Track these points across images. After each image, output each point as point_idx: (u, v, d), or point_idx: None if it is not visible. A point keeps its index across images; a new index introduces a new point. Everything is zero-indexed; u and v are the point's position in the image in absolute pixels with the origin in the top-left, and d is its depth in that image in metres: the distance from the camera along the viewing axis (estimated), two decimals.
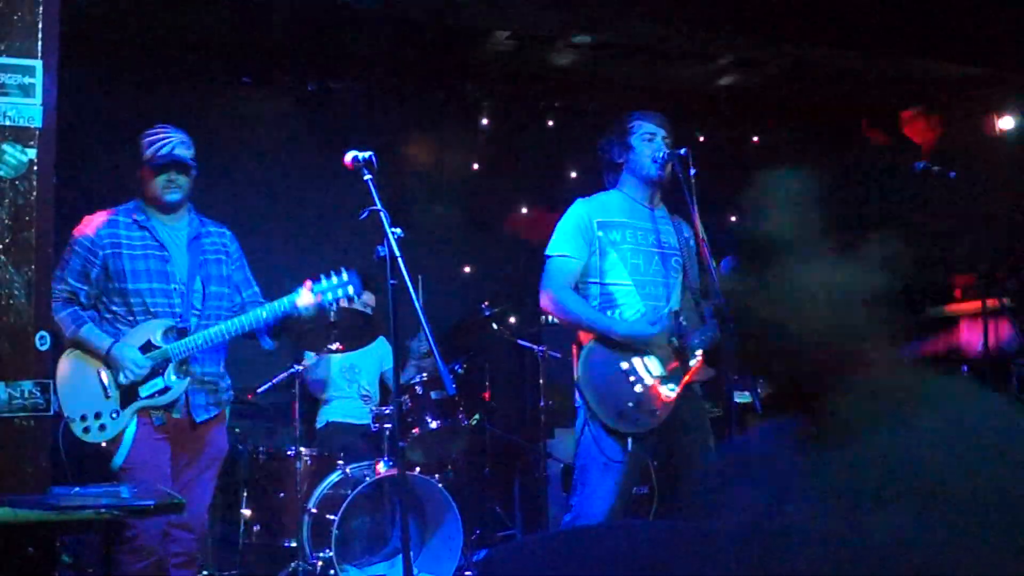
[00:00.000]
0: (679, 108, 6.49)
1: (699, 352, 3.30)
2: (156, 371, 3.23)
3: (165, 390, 3.23)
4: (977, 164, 6.35)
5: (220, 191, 3.61)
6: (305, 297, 3.34)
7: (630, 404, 3.21)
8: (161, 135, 3.38)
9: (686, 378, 3.29)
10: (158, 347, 3.23)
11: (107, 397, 3.21)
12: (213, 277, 3.42)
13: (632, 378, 3.25)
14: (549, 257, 3.42)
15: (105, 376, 3.22)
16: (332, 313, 4.47)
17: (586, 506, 3.26)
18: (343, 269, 3.37)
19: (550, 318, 5.74)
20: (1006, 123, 6.35)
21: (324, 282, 3.35)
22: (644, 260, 3.37)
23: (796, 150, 7.24)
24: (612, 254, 3.35)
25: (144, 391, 3.22)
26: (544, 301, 3.40)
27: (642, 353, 3.27)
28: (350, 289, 3.34)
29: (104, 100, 5.34)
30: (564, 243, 3.39)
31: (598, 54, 5.96)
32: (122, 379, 3.20)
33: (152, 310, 3.28)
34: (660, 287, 3.37)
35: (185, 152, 3.36)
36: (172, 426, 3.30)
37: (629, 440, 3.22)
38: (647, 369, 3.26)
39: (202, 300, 3.37)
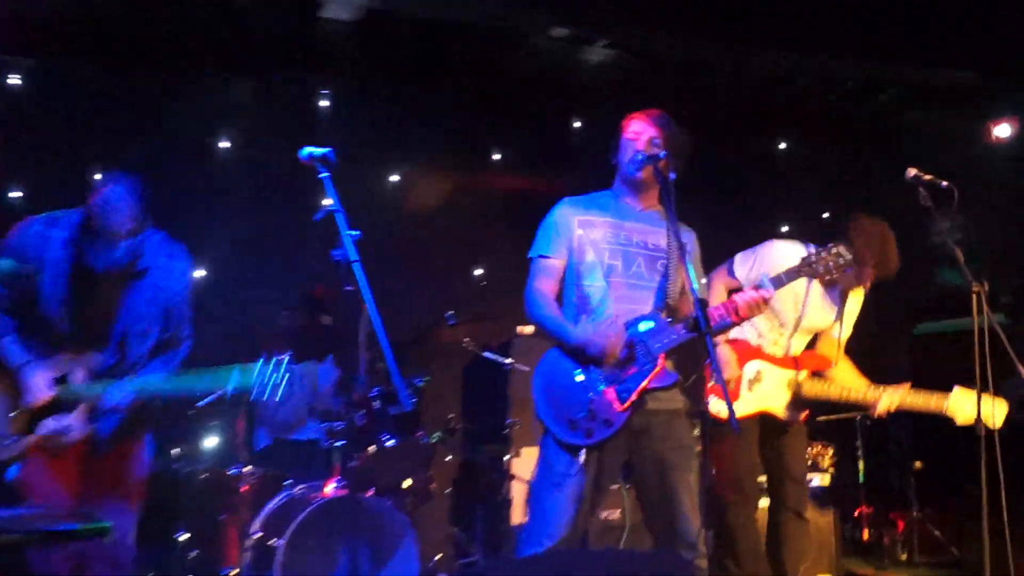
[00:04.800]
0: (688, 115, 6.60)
1: (660, 356, 3.24)
2: (60, 406, 3.14)
3: (65, 430, 3.14)
4: (973, 173, 6.43)
5: (175, 187, 3.57)
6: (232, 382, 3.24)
7: (581, 414, 3.22)
8: (103, 204, 3.15)
9: (644, 383, 3.23)
10: (72, 383, 3.15)
11: (10, 418, 3.14)
12: (142, 316, 3.31)
13: (585, 386, 3.25)
14: (531, 259, 3.46)
15: (13, 396, 3.13)
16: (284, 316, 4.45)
17: (539, 524, 3.25)
18: (284, 357, 3.23)
19: (522, 328, 5.77)
20: (1003, 131, 6.43)
21: (256, 368, 3.21)
22: (624, 261, 3.36)
23: (791, 157, 7.34)
24: (589, 254, 3.36)
25: (43, 427, 3.13)
26: (527, 305, 3.44)
27: (598, 360, 3.24)
28: (275, 379, 3.20)
29: (62, 91, 5.31)
30: (542, 243, 3.44)
31: (571, 48, 6.03)
32: (26, 402, 3.12)
33: (66, 337, 3.18)
34: (641, 290, 3.36)
35: (121, 223, 3.15)
36: (71, 454, 3.21)
37: (582, 452, 3.21)
38: (601, 376, 3.25)
39: (127, 339, 3.28)
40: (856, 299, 4.22)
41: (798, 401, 4.12)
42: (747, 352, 4.11)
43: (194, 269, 3.49)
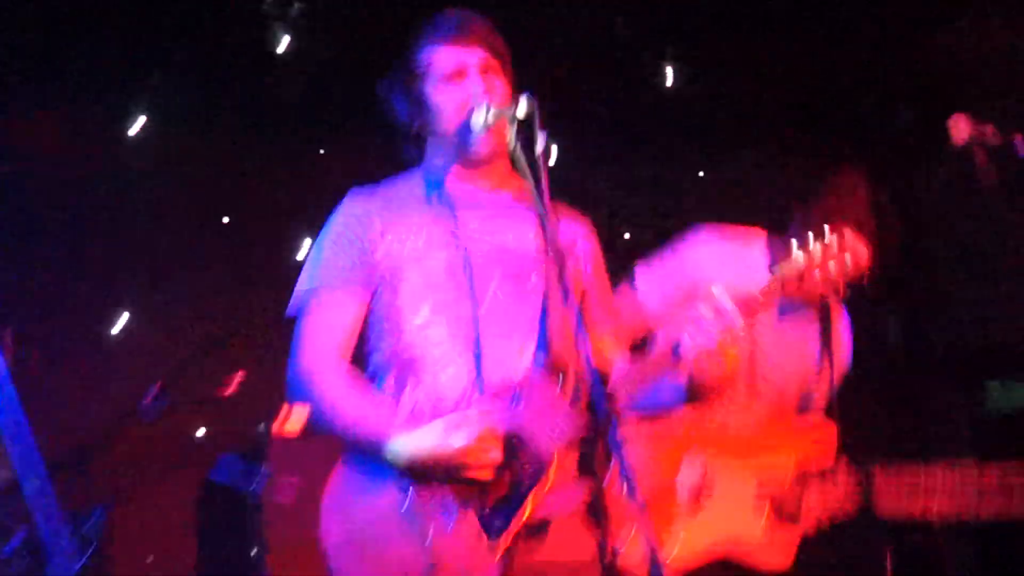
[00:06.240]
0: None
1: (552, 459, 3.21)
2: None
3: None
4: None
5: None
6: None
7: (417, 573, 3.16)
8: None
9: (524, 510, 3.20)
10: None
11: None
12: None
13: (416, 522, 3.19)
14: (301, 297, 3.46)
15: None
16: None
17: None
18: None
19: (282, 425, 5.84)
20: None
21: None
22: (471, 279, 3.40)
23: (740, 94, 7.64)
24: (412, 278, 3.38)
25: None
26: (289, 382, 3.42)
27: (447, 473, 3.18)
28: None
29: None
30: (322, 271, 3.44)
31: None
32: None
33: None
34: (507, 327, 3.39)
35: None
36: None
37: None
38: (449, 498, 3.19)
39: None
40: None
41: (787, 516, 4.07)
42: (680, 437, 4.12)
43: None
